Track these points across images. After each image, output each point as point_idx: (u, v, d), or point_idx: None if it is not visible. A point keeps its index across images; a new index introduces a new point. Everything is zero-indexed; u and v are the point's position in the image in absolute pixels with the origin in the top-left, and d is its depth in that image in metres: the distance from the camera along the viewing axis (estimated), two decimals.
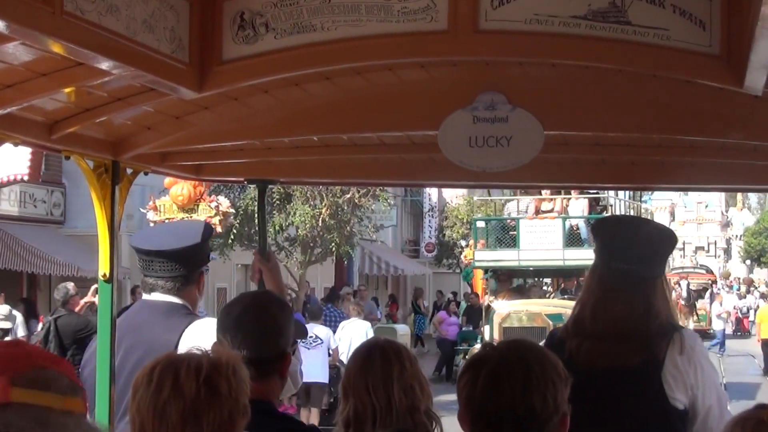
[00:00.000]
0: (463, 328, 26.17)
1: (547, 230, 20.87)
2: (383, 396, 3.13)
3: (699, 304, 39.14)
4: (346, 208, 24.86)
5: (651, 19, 2.99)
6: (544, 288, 23.57)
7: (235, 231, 21.66)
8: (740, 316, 44.18)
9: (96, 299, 11.84)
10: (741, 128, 3.72)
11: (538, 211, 21.44)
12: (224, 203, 14.52)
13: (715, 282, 47.96)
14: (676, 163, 4.72)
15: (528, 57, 3.35)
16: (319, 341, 15.41)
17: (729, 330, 38.86)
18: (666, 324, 3.52)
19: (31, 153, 18.58)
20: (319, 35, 3.17)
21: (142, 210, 14.93)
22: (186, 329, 4.08)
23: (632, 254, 3.55)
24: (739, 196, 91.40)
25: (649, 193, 29.64)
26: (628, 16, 3.00)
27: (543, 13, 3.03)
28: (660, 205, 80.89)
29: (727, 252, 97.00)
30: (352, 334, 16.24)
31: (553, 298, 21.40)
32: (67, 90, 3.33)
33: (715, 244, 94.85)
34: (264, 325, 3.11)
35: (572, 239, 20.81)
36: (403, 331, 24.76)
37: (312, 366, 14.35)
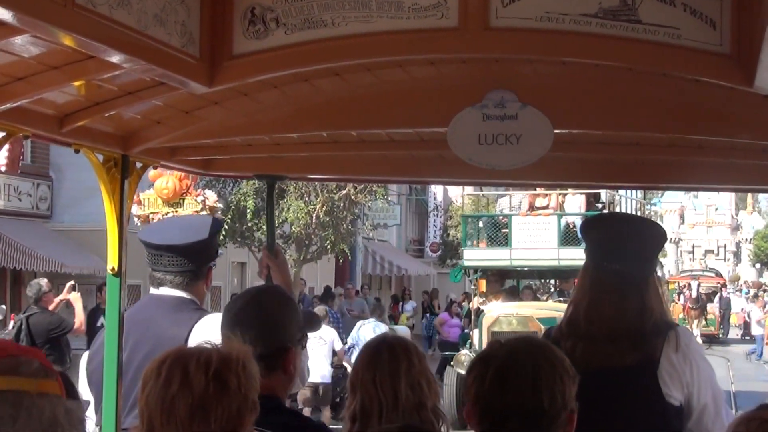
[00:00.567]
0: (465, 330, 25.93)
1: (542, 228, 19.12)
2: (390, 391, 3.13)
3: (708, 308, 38.87)
4: (342, 204, 24.51)
5: (661, 17, 2.99)
6: (534, 288, 21.70)
7: (226, 227, 21.03)
8: (747, 320, 43.98)
9: (70, 296, 11.81)
10: (751, 128, 3.72)
11: (532, 207, 19.68)
12: (211, 197, 14.16)
13: (724, 285, 47.59)
14: (685, 163, 4.71)
15: (538, 55, 3.35)
16: (323, 342, 15.39)
17: (736, 335, 38.62)
18: (660, 322, 3.51)
19: (10, 143, 18.28)
20: (329, 31, 3.18)
21: None
22: (196, 324, 4.05)
23: (624, 253, 3.54)
24: (750, 199, 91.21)
25: (659, 195, 29.40)
26: (638, 14, 3.00)
27: (553, 10, 3.03)
28: (670, 208, 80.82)
29: (737, 255, 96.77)
30: (366, 334, 16.08)
31: (548, 300, 19.96)
32: (77, 83, 3.34)
33: (725, 247, 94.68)
34: (262, 320, 3.10)
35: (568, 237, 18.64)
36: (402, 333, 24.53)
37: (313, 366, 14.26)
